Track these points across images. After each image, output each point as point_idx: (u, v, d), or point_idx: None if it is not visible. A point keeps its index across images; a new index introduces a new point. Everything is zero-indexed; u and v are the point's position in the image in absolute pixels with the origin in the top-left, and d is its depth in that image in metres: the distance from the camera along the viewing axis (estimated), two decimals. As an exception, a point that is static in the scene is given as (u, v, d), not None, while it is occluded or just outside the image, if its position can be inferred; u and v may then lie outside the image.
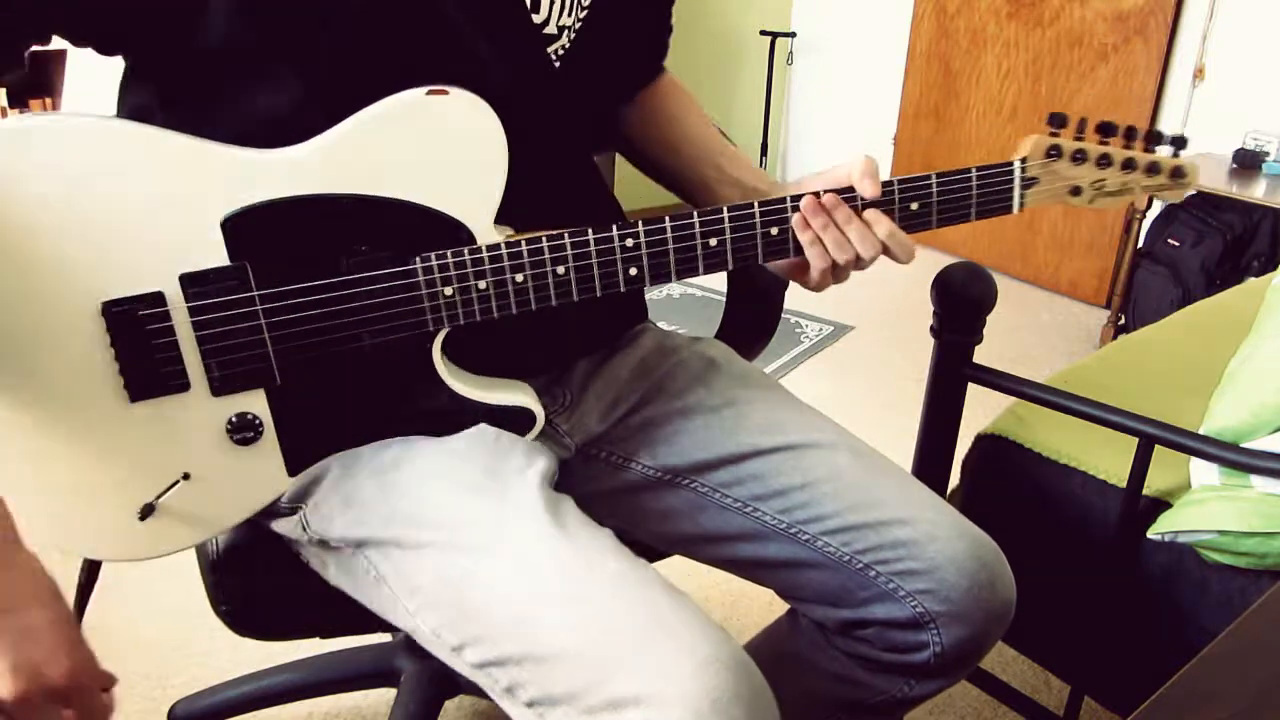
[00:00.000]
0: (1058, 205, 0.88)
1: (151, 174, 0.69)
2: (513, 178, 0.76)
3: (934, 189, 0.82)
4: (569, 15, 0.83)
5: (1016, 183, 0.84)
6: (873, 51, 3.69)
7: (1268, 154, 2.65)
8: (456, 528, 0.74)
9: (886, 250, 0.83)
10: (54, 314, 0.69)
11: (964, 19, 3.34)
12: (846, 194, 0.82)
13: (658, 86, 1.02)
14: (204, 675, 1.48)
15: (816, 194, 0.81)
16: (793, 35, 3.83)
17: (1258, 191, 2.49)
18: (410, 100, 0.72)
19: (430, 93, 0.72)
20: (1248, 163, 2.65)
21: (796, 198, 0.81)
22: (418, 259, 0.74)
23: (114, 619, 1.59)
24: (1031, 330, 2.95)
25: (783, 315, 1.20)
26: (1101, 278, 3.12)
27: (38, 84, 2.42)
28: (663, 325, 1.02)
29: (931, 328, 1.14)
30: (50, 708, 0.60)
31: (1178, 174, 0.87)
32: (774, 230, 0.81)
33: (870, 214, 0.82)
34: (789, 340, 2.77)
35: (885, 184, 0.82)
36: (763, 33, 3.73)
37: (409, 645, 1.30)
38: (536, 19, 0.81)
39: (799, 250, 0.82)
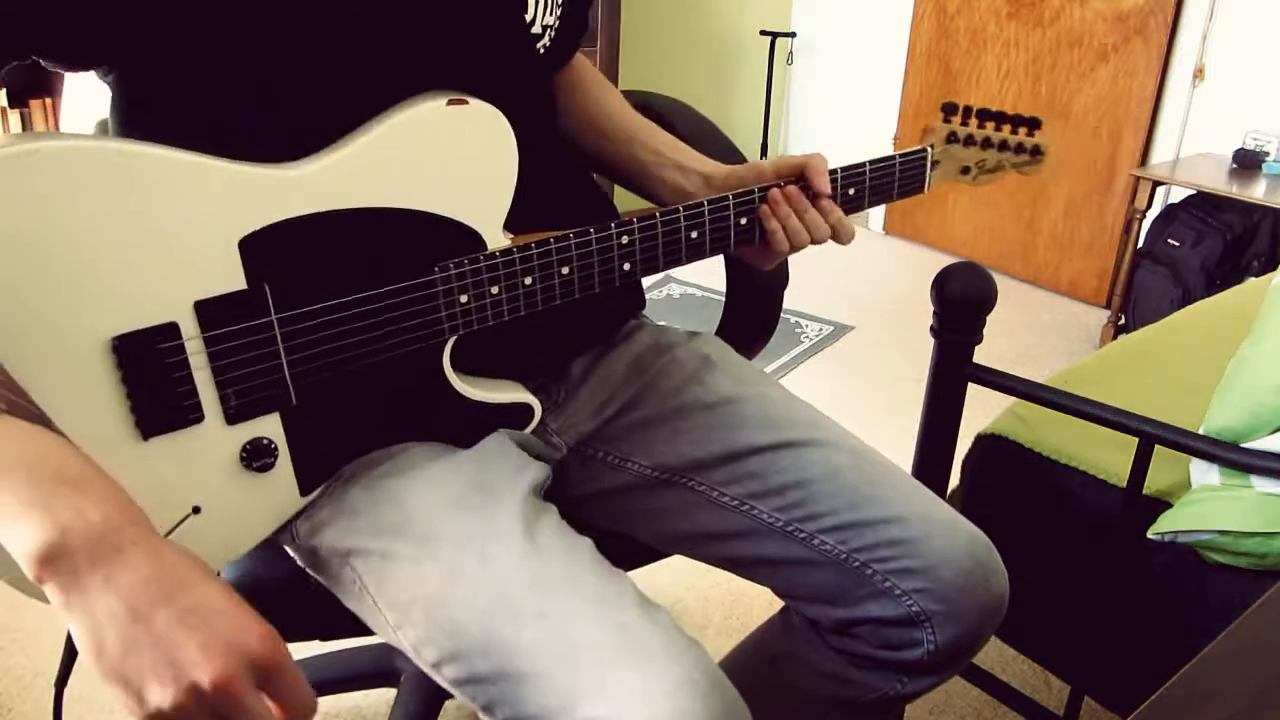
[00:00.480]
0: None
1: (164, 196, 0.65)
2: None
3: (867, 176, 0.92)
4: (551, 15, 0.84)
5: (928, 166, 0.97)
6: (873, 51, 3.69)
7: (1268, 154, 2.65)
8: (436, 542, 0.73)
9: (834, 234, 0.90)
10: (59, 349, 0.64)
11: (964, 19, 3.34)
12: (802, 185, 0.89)
13: (573, 66, 1.00)
14: (204, 675, 1.48)
15: (780, 185, 0.87)
16: (793, 35, 3.83)
17: (1258, 191, 2.49)
18: (432, 110, 0.72)
19: (451, 103, 0.72)
20: (1248, 163, 2.65)
21: (764, 189, 0.87)
22: (436, 268, 0.74)
23: (114, 619, 1.59)
24: (1031, 330, 2.95)
25: (782, 315, 1.20)
26: (1101, 278, 3.11)
27: (38, 84, 2.42)
28: (661, 323, 1.02)
29: (931, 328, 1.14)
30: (255, 698, 0.51)
31: (1036, 151, 1.02)
32: (744, 220, 0.87)
33: (825, 203, 0.89)
34: (789, 340, 2.77)
35: (830, 173, 0.89)
36: (763, 33, 3.73)
37: (409, 645, 1.30)
38: (526, 17, 0.82)
39: (762, 237, 0.89)
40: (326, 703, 1.45)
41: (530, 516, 0.74)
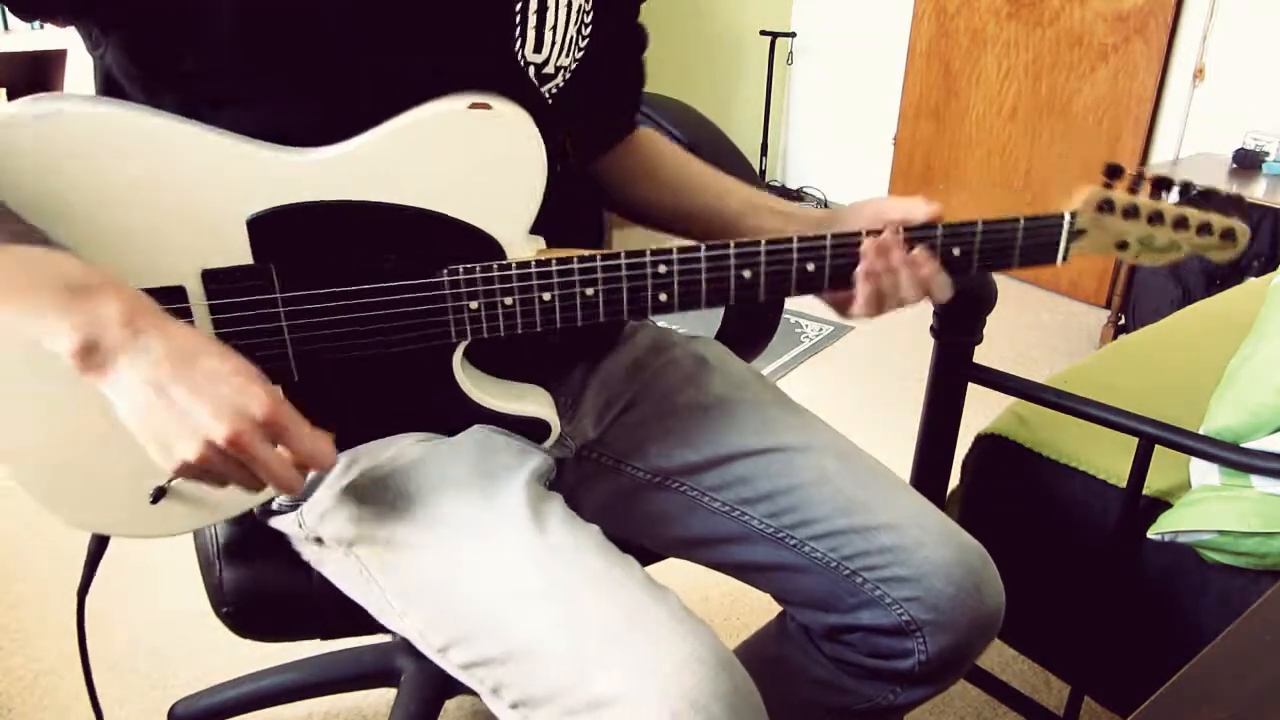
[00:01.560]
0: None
1: (177, 166, 0.68)
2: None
3: (978, 237, 0.81)
4: (567, 56, 0.83)
5: (1064, 235, 0.83)
6: (873, 51, 3.69)
7: (1268, 154, 2.65)
8: (441, 528, 0.74)
9: (929, 290, 0.82)
10: None
11: (964, 19, 3.34)
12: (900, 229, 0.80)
13: (635, 140, 1.01)
14: (204, 675, 1.48)
15: (876, 232, 0.79)
16: (793, 35, 3.83)
17: (1258, 191, 2.49)
18: (451, 112, 0.71)
19: (473, 106, 0.71)
20: (1248, 163, 2.65)
21: (837, 236, 0.79)
22: (445, 271, 0.74)
23: (114, 620, 1.59)
24: (1031, 330, 2.95)
25: (783, 315, 1.20)
26: (1101, 278, 3.12)
27: (38, 84, 2.42)
28: (661, 324, 1.02)
29: (931, 328, 1.14)
30: (266, 448, 0.61)
31: (1228, 235, 0.85)
32: (810, 266, 0.79)
33: (918, 254, 0.80)
34: (789, 340, 2.77)
35: (928, 227, 0.80)
36: (763, 33, 3.73)
37: (409, 645, 1.30)
38: (538, 58, 0.80)
39: (834, 285, 0.80)
40: (326, 703, 1.45)
41: (536, 502, 0.75)
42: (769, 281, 0.79)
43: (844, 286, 0.81)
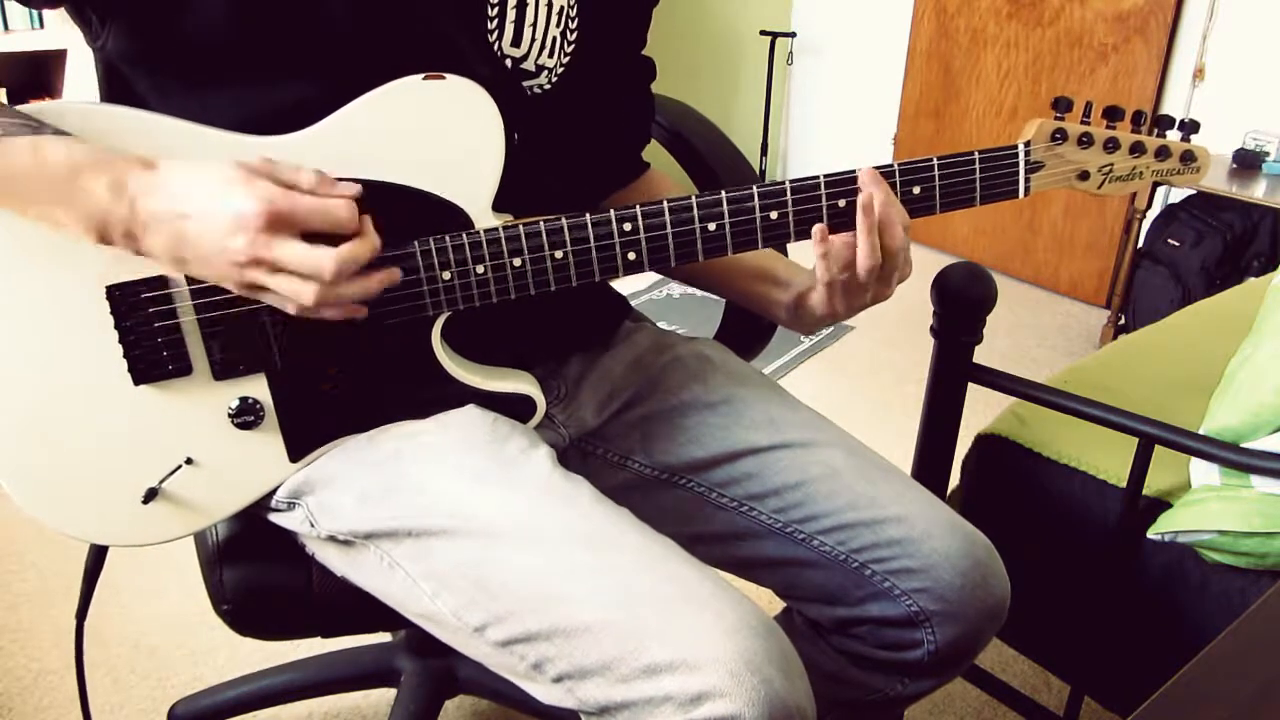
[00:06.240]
0: (1065, 191, 0.87)
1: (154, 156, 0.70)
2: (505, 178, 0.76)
3: (935, 173, 0.82)
4: (550, 56, 0.84)
5: (1021, 166, 0.84)
6: (873, 51, 3.69)
7: (1268, 154, 2.65)
8: (471, 514, 0.74)
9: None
10: (60, 296, 0.71)
11: (964, 19, 3.34)
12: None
13: (648, 181, 1.02)
14: (204, 675, 1.48)
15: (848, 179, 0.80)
16: (793, 35, 3.83)
17: (1258, 191, 2.49)
18: (406, 86, 0.73)
19: (426, 78, 0.73)
20: (1248, 163, 2.65)
21: (794, 182, 0.80)
22: (415, 243, 0.75)
23: (114, 620, 1.59)
24: (1031, 330, 2.95)
25: (783, 315, 1.20)
26: (1101, 278, 3.11)
27: (38, 84, 2.42)
28: (662, 325, 1.03)
29: (931, 328, 1.14)
30: (274, 279, 0.67)
31: (1188, 158, 0.86)
32: (773, 215, 0.80)
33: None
34: (788, 340, 2.77)
35: (885, 167, 0.81)
36: (763, 33, 3.73)
37: (409, 645, 1.30)
38: (516, 51, 0.82)
39: (800, 235, 0.81)
40: (326, 703, 1.45)
41: (565, 482, 0.76)
42: (735, 233, 0.80)
43: (807, 237, 0.80)
